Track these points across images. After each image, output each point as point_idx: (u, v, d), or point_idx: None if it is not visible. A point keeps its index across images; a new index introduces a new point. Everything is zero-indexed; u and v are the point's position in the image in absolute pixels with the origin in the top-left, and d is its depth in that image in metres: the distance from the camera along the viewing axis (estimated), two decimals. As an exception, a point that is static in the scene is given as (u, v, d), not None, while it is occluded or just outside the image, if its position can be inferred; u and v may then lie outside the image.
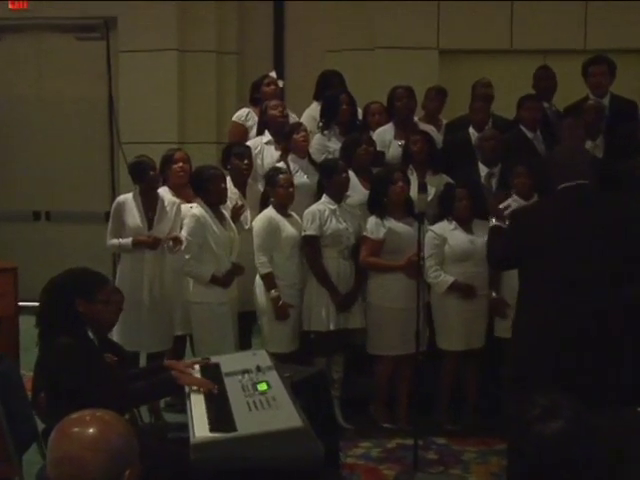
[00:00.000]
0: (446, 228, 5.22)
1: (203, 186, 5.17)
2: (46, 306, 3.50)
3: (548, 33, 7.63)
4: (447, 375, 5.28)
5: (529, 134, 5.88)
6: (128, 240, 5.27)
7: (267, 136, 5.97)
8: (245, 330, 5.61)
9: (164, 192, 5.51)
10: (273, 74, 6.61)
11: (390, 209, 5.22)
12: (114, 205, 5.41)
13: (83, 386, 3.26)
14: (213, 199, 5.18)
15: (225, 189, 5.25)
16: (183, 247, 5.11)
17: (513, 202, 4.97)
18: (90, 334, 3.57)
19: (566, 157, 3.96)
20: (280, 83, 6.60)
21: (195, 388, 3.54)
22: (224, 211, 5.29)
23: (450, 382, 5.30)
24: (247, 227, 5.45)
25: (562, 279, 3.73)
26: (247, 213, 5.54)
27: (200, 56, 8.15)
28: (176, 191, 5.56)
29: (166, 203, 5.38)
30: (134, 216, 5.31)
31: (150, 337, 5.28)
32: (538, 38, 7.66)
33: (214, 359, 3.96)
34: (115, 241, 5.33)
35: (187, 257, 5.10)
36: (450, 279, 5.11)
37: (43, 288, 3.54)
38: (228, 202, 5.38)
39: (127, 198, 5.38)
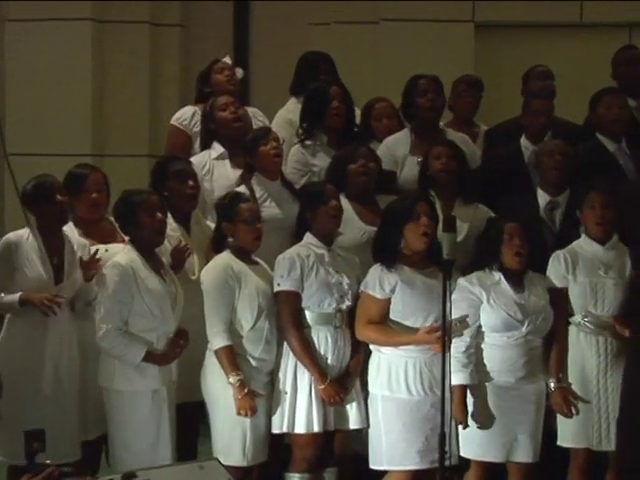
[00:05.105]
0: (486, 281, 5.23)
1: (131, 219, 5.19)
2: None
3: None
4: None
5: (609, 145, 5.95)
6: (14, 296, 5.21)
7: (217, 149, 6.04)
8: (188, 431, 5.59)
9: (69, 229, 5.49)
10: (227, 59, 6.68)
11: (405, 255, 5.22)
12: (1, 246, 5.36)
13: None
14: (146, 238, 5.19)
15: (163, 223, 5.26)
16: (100, 313, 5.10)
17: (580, 247, 5.16)
18: None
19: None
20: (239, 72, 6.65)
21: None
22: (162, 257, 5.32)
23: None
24: (194, 277, 5.46)
25: None
26: (193, 258, 5.55)
27: (126, 29, 8.23)
28: (85, 228, 5.57)
29: (76, 247, 5.37)
30: (34, 264, 5.27)
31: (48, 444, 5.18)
32: (619, 7, 7.73)
33: (142, 475, 3.93)
34: None
35: (106, 328, 5.06)
36: (464, 378, 5.08)
37: None
38: (167, 242, 5.39)
39: (21, 237, 5.33)
